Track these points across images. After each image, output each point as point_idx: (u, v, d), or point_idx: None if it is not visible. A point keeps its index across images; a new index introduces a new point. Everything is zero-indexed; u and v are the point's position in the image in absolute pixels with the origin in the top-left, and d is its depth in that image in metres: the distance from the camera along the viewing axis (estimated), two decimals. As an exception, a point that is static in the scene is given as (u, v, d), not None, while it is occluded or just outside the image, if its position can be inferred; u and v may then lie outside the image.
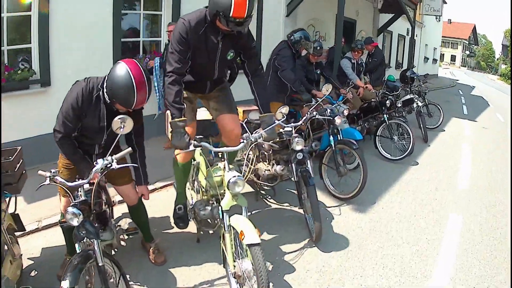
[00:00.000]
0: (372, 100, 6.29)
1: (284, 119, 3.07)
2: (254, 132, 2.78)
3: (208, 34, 2.80)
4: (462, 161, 6.51)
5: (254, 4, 2.90)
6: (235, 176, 2.49)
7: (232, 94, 3.38)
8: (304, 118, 4.11)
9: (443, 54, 57.80)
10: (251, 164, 3.36)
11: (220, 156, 3.01)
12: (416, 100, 7.49)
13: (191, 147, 2.57)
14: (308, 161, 3.68)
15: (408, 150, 5.78)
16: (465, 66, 59.98)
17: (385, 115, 6.04)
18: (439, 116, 8.74)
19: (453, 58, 59.89)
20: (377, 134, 6.10)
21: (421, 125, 7.41)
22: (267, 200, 4.43)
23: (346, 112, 5.19)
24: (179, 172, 3.31)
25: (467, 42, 61.29)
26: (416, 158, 6.33)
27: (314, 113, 4.12)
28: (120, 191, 3.00)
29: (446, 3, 27.76)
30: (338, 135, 4.51)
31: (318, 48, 5.66)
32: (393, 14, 14.53)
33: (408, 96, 7.72)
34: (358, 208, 4.37)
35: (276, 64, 4.96)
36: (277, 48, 5.15)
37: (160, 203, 4.14)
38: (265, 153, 3.93)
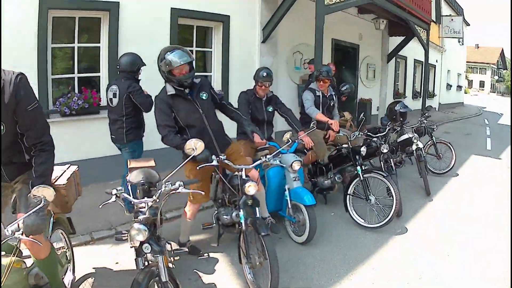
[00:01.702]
0: (343, 145, 4.74)
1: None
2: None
3: None
4: (472, 227, 4.79)
5: None
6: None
7: None
8: (258, 162, 3.42)
9: (472, 80, 55.52)
10: None
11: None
12: (415, 141, 5.94)
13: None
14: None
15: (389, 217, 4.17)
16: (494, 92, 57.00)
17: (358, 167, 4.45)
18: (450, 157, 7.07)
19: (481, 84, 57.14)
20: (348, 193, 4.53)
21: (422, 173, 5.81)
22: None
23: (296, 167, 3.78)
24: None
25: (496, 67, 58.47)
26: (407, 221, 4.74)
27: (265, 158, 3.40)
28: None
29: (469, 25, 25.98)
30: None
31: (265, 75, 4.28)
32: (404, 37, 13.04)
33: (405, 136, 6.19)
34: None
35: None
36: None
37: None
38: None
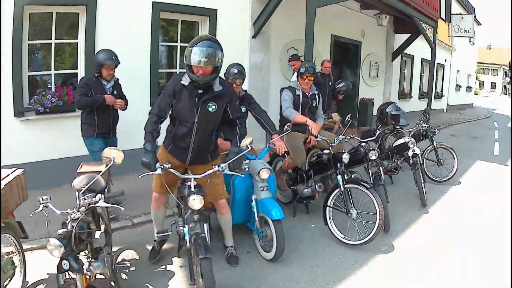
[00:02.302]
0: (324, 151, 4.21)
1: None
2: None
3: None
4: (471, 242, 4.27)
5: None
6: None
7: None
8: (208, 172, 2.92)
9: (483, 82, 54.41)
10: None
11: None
12: (411, 146, 5.40)
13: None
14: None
15: (371, 234, 3.64)
16: (506, 93, 55.74)
17: (339, 176, 3.92)
18: (452, 164, 6.51)
19: (493, 85, 55.90)
20: (328, 204, 4.01)
21: (418, 182, 5.27)
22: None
23: (265, 175, 3.31)
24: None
25: (508, 68, 57.15)
26: (396, 237, 4.22)
27: (217, 167, 2.88)
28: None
29: (480, 24, 25.16)
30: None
31: (236, 71, 3.82)
32: (410, 35, 12.44)
33: (401, 140, 5.65)
34: None
35: None
36: None
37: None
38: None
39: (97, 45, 5.51)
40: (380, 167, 4.57)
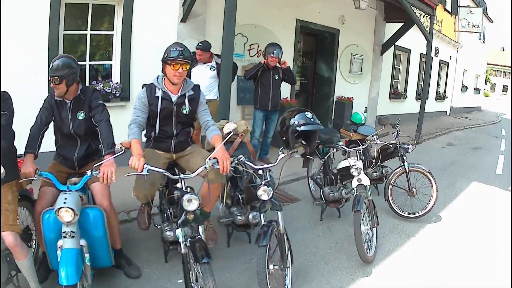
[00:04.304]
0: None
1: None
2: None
3: None
4: None
5: None
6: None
7: None
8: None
9: (494, 84, 52.03)
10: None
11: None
12: (355, 173, 3.57)
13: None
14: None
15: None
16: (518, 97, 53.24)
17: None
18: (429, 193, 4.62)
19: (505, 88, 53.23)
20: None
21: (356, 235, 3.35)
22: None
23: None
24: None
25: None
26: None
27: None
28: None
29: (492, 21, 22.93)
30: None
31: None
32: (403, 24, 10.45)
33: (345, 163, 3.83)
34: None
35: None
36: None
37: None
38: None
39: (133, 38, 5.60)
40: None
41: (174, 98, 3.01)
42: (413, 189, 4.63)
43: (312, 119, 2.81)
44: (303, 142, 3.05)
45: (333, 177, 4.15)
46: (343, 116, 9.37)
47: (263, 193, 2.73)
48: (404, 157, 4.66)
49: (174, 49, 2.84)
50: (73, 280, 2.27)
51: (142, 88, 3.06)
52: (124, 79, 5.79)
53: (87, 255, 2.50)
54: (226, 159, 2.64)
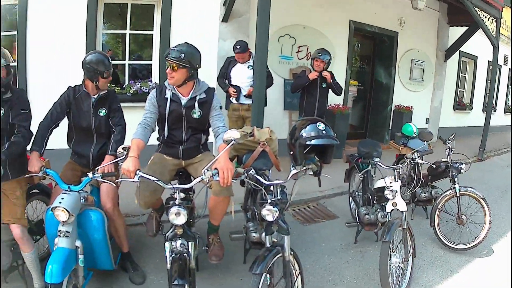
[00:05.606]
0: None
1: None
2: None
3: None
4: None
5: None
6: None
7: None
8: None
9: None
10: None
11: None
12: (389, 196, 3.16)
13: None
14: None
15: None
16: None
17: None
18: (481, 223, 4.02)
19: None
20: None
21: (381, 268, 2.92)
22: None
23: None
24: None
25: None
26: None
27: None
28: None
29: None
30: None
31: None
32: (467, 27, 9.55)
33: (381, 183, 3.42)
34: None
35: None
36: None
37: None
38: None
39: (172, 38, 5.64)
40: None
41: (184, 101, 2.84)
42: (463, 216, 4.06)
43: (324, 132, 2.39)
44: (316, 157, 2.64)
45: (370, 196, 3.74)
46: (401, 127, 8.72)
47: (268, 213, 2.41)
48: (456, 179, 4.09)
49: (173, 48, 2.69)
50: (57, 279, 2.28)
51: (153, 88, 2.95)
52: (163, 79, 5.71)
53: (81, 257, 2.52)
54: (227, 170, 2.32)
